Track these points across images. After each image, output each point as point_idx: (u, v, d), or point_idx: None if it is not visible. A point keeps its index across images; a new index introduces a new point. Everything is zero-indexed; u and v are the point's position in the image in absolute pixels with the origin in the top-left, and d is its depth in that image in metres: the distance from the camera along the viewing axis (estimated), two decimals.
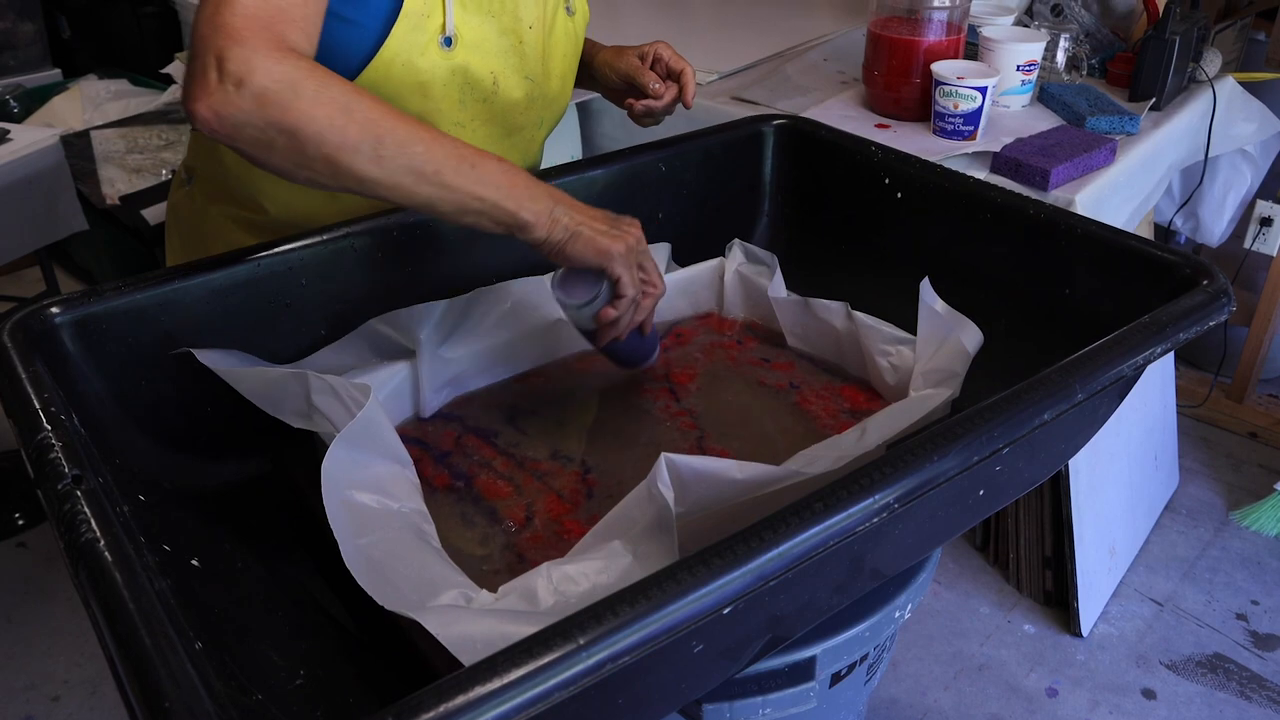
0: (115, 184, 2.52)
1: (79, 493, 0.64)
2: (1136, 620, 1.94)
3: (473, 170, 0.82)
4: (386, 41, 0.94)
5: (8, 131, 2.00)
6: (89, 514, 0.62)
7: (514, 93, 1.06)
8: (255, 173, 1.00)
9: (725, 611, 0.58)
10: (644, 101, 1.16)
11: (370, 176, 0.80)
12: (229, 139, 0.78)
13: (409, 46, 0.95)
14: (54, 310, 0.84)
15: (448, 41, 0.97)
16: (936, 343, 0.94)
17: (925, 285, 0.94)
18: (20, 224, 1.99)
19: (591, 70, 1.22)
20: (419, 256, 1.02)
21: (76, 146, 2.55)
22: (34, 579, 2.04)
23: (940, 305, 0.94)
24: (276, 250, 0.93)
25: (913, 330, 0.96)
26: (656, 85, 1.15)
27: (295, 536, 0.88)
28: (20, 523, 2.14)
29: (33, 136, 2.01)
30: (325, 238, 0.96)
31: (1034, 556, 1.94)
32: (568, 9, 1.12)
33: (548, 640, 0.52)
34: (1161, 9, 1.72)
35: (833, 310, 1.05)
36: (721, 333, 1.14)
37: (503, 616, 0.63)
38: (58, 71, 2.97)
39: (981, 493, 0.80)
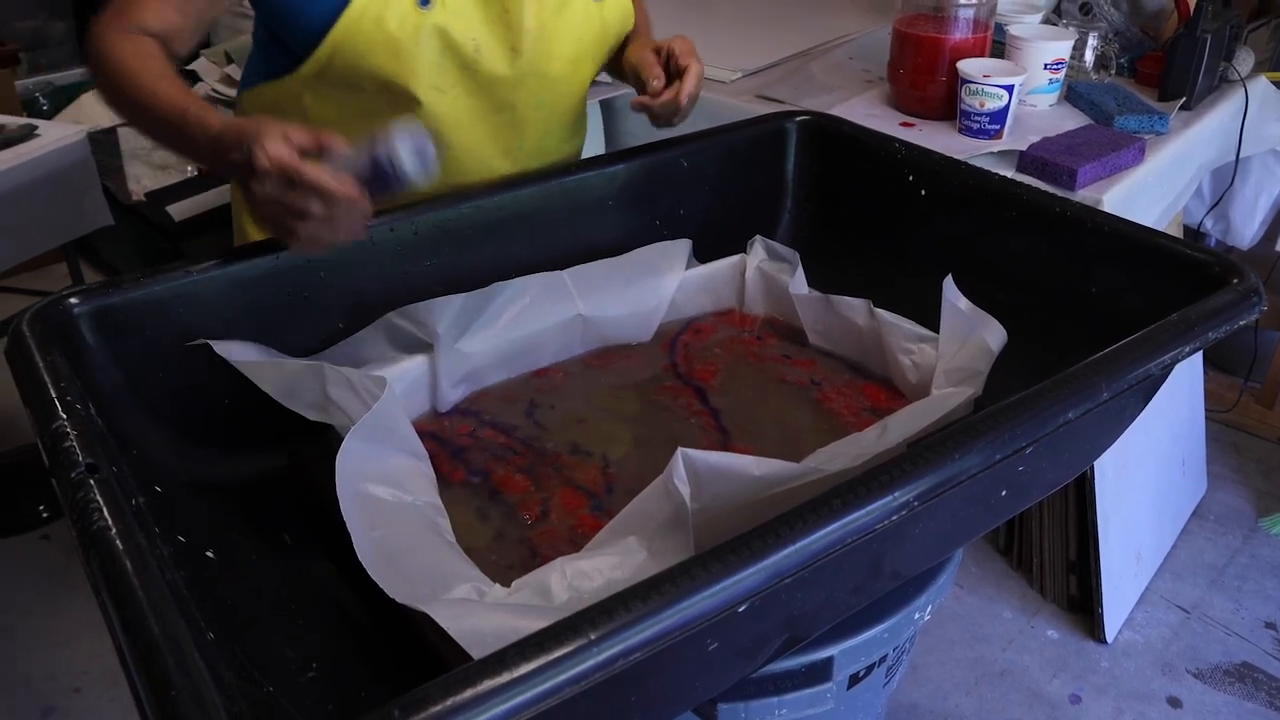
0: (141, 180, 2.54)
1: (92, 481, 0.64)
2: (1163, 627, 1.91)
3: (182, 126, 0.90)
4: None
5: (36, 128, 2.01)
6: (102, 502, 0.62)
7: (497, 65, 1.05)
8: None
9: (740, 609, 0.57)
10: (640, 98, 1.09)
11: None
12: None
13: (378, 3, 0.96)
14: (73, 301, 0.84)
15: (425, 1, 0.98)
16: (959, 341, 0.93)
17: (949, 282, 0.92)
18: (47, 219, 2.00)
19: (621, 62, 1.19)
20: (437, 250, 1.01)
21: (104, 143, 2.56)
22: (56, 571, 2.05)
23: (964, 303, 0.92)
24: None
25: (935, 328, 0.95)
26: (656, 83, 1.08)
27: (311, 530, 0.87)
28: (45, 515, 2.16)
29: (60, 132, 2.03)
30: None
31: (1058, 561, 1.92)
32: None
33: (558, 634, 0.51)
34: (1193, 7, 1.69)
35: (855, 307, 1.04)
36: (742, 329, 1.13)
37: (514, 611, 0.62)
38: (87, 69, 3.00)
39: (1004, 493, 0.79)
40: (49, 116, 2.67)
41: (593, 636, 0.51)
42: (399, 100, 1.02)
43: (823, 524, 0.59)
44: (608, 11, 1.12)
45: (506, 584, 0.70)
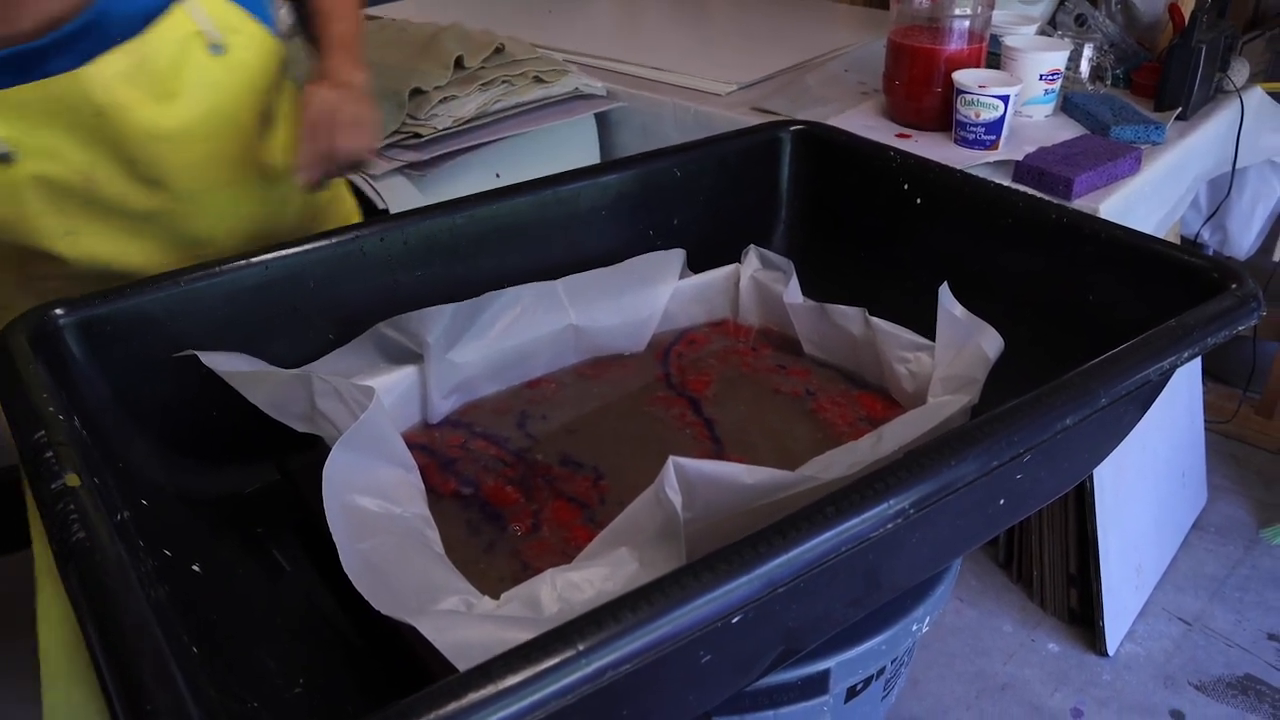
0: None
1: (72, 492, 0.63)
2: (1164, 640, 1.90)
3: None
4: None
5: None
6: (81, 514, 0.61)
7: (114, 185, 0.97)
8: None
9: (734, 620, 0.56)
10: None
11: None
12: None
13: None
14: (59, 311, 0.83)
15: (3, 158, 0.92)
16: (956, 349, 0.92)
17: (944, 290, 0.92)
18: None
19: None
20: (428, 260, 1.00)
21: None
22: None
23: (960, 310, 0.92)
24: (284, 253, 0.92)
25: (932, 336, 0.94)
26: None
27: (300, 544, 0.86)
28: None
29: None
30: (334, 240, 0.95)
31: (1058, 574, 1.90)
32: (213, 48, 0.98)
33: (546, 645, 0.50)
34: (1187, 18, 1.69)
35: (850, 316, 1.03)
36: (736, 339, 1.12)
37: (502, 623, 0.61)
38: None
39: (1002, 501, 0.78)
40: None
41: (581, 647, 0.50)
42: (36, 252, 0.98)
43: (816, 532, 0.58)
44: (234, 63, 1.00)
45: (497, 596, 0.69)
